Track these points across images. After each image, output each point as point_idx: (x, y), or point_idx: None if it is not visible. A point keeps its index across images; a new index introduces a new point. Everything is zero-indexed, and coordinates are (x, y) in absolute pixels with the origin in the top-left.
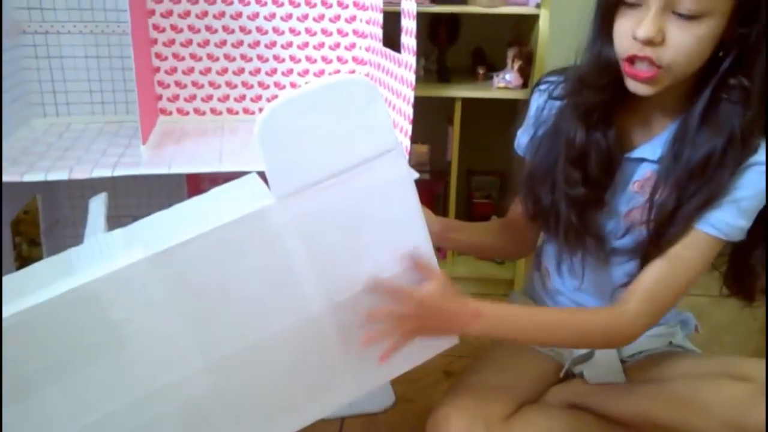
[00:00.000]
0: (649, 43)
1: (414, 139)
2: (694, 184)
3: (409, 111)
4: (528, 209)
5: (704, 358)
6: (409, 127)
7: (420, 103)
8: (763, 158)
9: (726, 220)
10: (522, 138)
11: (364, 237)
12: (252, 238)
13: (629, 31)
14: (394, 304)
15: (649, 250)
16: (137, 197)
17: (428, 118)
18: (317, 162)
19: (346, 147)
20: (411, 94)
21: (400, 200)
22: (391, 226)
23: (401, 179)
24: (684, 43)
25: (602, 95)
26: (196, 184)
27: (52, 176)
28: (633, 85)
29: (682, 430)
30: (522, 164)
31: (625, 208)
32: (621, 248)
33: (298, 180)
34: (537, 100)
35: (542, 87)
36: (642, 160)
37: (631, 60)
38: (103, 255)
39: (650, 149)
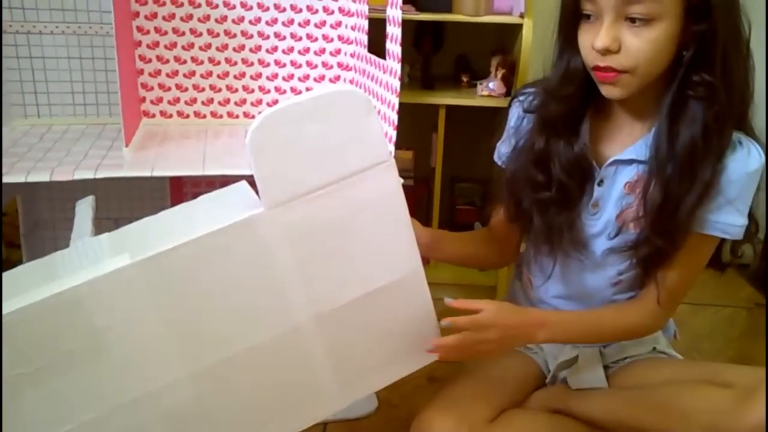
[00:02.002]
0: (607, 52)
1: (398, 146)
2: (683, 179)
3: (394, 117)
4: (509, 214)
5: (686, 365)
6: (393, 133)
7: (404, 110)
8: (752, 161)
9: (733, 222)
10: (502, 149)
11: (354, 248)
12: (240, 247)
13: (589, 43)
14: (474, 334)
15: (651, 249)
16: (119, 200)
17: (413, 124)
18: (308, 172)
19: (338, 158)
20: (396, 100)
21: (391, 212)
22: (381, 237)
23: (392, 192)
24: (640, 47)
25: (567, 104)
26: (179, 187)
27: (33, 177)
28: (605, 90)
29: None
30: (502, 174)
31: (617, 209)
32: (614, 249)
33: (288, 189)
34: (515, 112)
35: (520, 98)
36: (631, 161)
37: (597, 69)
38: (89, 260)
39: (638, 150)
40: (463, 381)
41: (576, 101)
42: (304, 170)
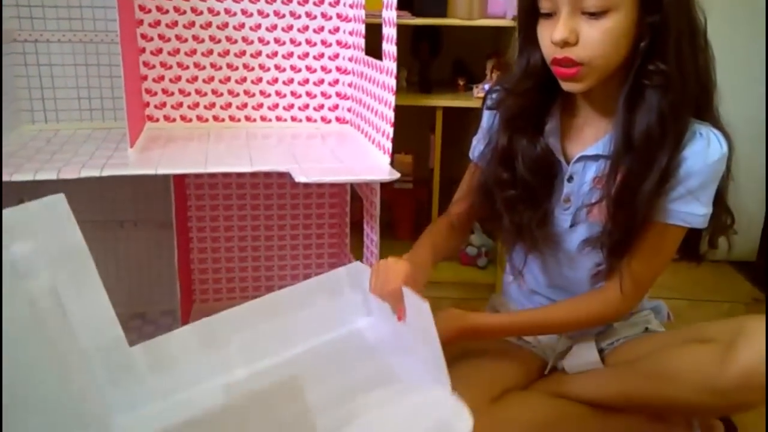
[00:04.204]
0: (565, 44)
1: (398, 150)
2: (641, 167)
3: (391, 115)
4: (482, 216)
5: (672, 333)
6: (390, 130)
7: (403, 114)
8: (712, 151)
9: (693, 211)
10: (477, 147)
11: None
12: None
13: (548, 37)
14: None
15: (614, 239)
16: (123, 202)
17: (411, 129)
18: None
19: None
20: (392, 99)
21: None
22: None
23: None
24: (595, 38)
25: (525, 100)
26: (183, 188)
27: (41, 176)
28: (565, 85)
29: (659, 402)
30: (471, 170)
31: (587, 204)
32: (587, 242)
33: None
34: (486, 111)
35: (492, 96)
36: (597, 157)
37: (557, 62)
38: None
39: (603, 146)
40: (467, 362)
41: (535, 97)
42: None
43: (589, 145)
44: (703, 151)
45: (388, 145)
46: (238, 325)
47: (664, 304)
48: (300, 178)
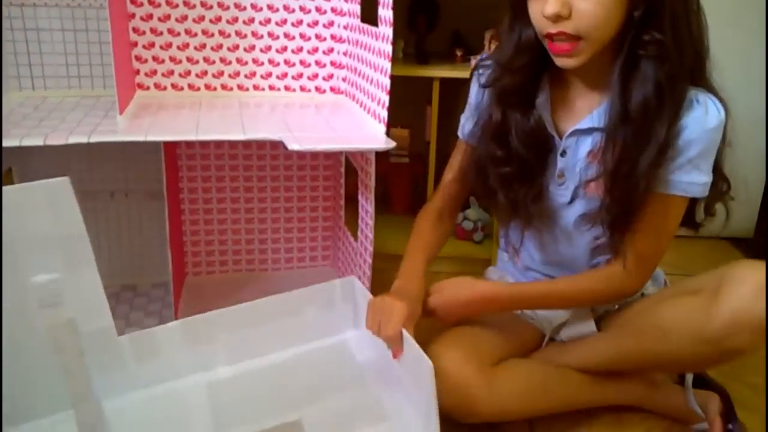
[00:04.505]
0: (558, 18)
1: (394, 124)
2: (638, 139)
3: (387, 82)
4: (477, 193)
5: (661, 292)
6: (386, 99)
7: (399, 86)
8: (709, 118)
9: (694, 180)
10: (466, 125)
11: None
12: None
13: (540, 11)
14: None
15: (613, 214)
16: (114, 171)
17: (408, 103)
18: None
19: None
20: (388, 66)
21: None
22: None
23: None
24: (589, 10)
25: (520, 76)
26: (174, 157)
27: (27, 142)
28: (559, 61)
29: (654, 359)
30: (461, 148)
31: (583, 178)
32: (584, 216)
33: None
34: (474, 87)
35: (479, 71)
36: (590, 130)
37: (550, 38)
38: None
39: (596, 119)
40: (471, 328)
41: (530, 72)
42: None
43: (581, 119)
44: (701, 119)
45: (384, 114)
46: (227, 325)
47: (662, 272)
48: (293, 146)
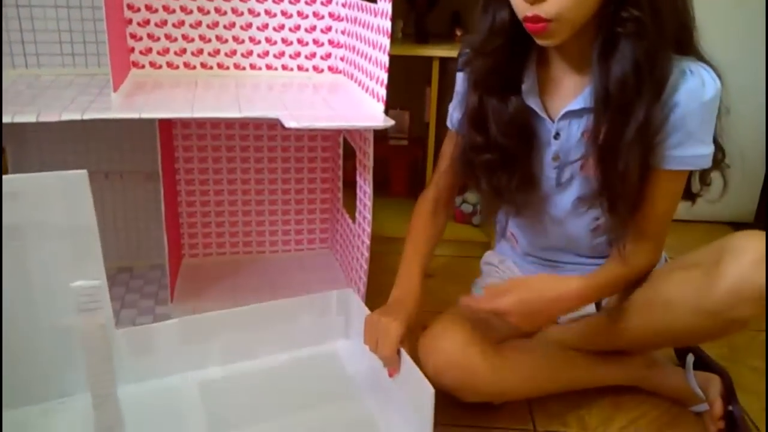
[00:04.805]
0: (532, 1)
1: (393, 106)
2: (622, 117)
3: (385, 59)
4: (463, 182)
5: (662, 269)
6: (384, 76)
7: (398, 68)
8: (704, 88)
9: (698, 152)
10: (454, 114)
11: None
12: None
13: None
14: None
15: (611, 193)
16: (109, 151)
17: (407, 85)
18: None
19: None
20: (387, 42)
21: None
22: None
23: None
24: None
25: (494, 60)
26: (170, 138)
27: (20, 118)
28: (539, 40)
29: (655, 335)
30: (452, 138)
31: (579, 159)
32: (582, 198)
33: None
34: (460, 75)
35: (464, 57)
36: (582, 111)
37: (527, 20)
38: None
39: (586, 99)
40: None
41: (506, 55)
42: None
43: (571, 100)
44: (697, 90)
45: (383, 92)
46: (222, 327)
47: (663, 253)
48: (290, 123)
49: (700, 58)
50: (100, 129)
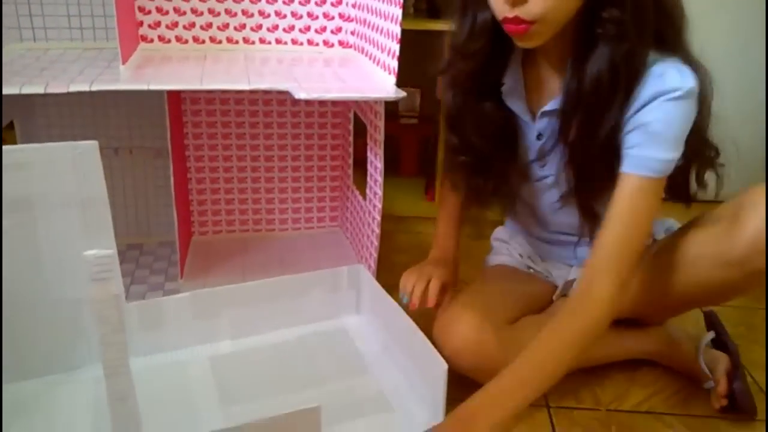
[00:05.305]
0: (514, 2)
1: (404, 84)
2: (592, 120)
3: (397, 30)
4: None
5: (679, 229)
6: (396, 48)
7: (410, 45)
8: (667, 87)
9: (652, 155)
10: None
11: None
12: None
13: None
14: None
15: (580, 192)
16: (117, 128)
17: (419, 62)
18: None
19: None
20: (398, 12)
21: None
22: None
23: None
24: None
25: (474, 62)
26: (178, 109)
27: (27, 90)
28: (519, 42)
29: (680, 292)
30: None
31: (563, 159)
32: (563, 197)
33: None
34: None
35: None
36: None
37: (507, 22)
38: None
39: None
40: (482, 288)
41: (487, 57)
42: None
43: (550, 101)
44: (662, 89)
45: (394, 64)
46: (233, 301)
47: (676, 222)
48: (300, 95)
49: (686, 57)
50: (110, 105)
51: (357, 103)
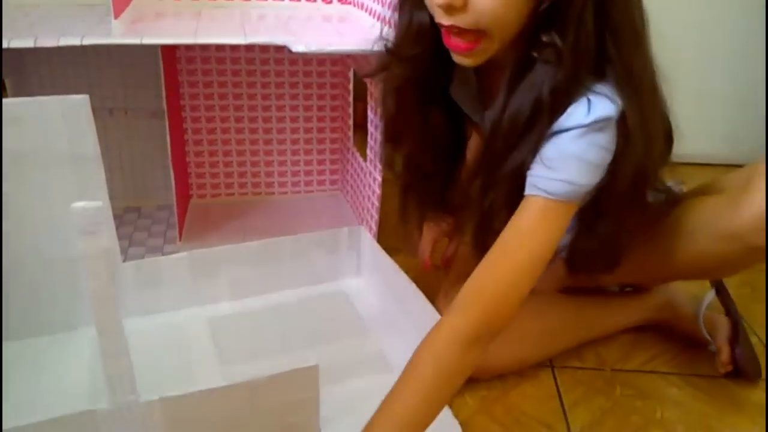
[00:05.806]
0: (450, 9)
1: None
2: (505, 144)
3: None
4: None
5: (684, 194)
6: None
7: None
8: (573, 123)
9: (546, 175)
10: None
11: None
12: None
13: None
14: None
15: (479, 234)
16: (112, 88)
17: None
18: None
19: None
20: None
21: None
22: None
23: None
24: (487, 4)
25: (411, 68)
26: (174, 67)
27: (16, 44)
28: (456, 58)
29: (680, 264)
30: None
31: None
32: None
33: None
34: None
35: None
36: None
37: (445, 30)
38: None
39: None
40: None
41: (426, 63)
42: None
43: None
44: (574, 114)
45: (396, 17)
46: (232, 262)
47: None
48: (298, 48)
49: (626, 79)
50: (104, 64)
51: (356, 60)
